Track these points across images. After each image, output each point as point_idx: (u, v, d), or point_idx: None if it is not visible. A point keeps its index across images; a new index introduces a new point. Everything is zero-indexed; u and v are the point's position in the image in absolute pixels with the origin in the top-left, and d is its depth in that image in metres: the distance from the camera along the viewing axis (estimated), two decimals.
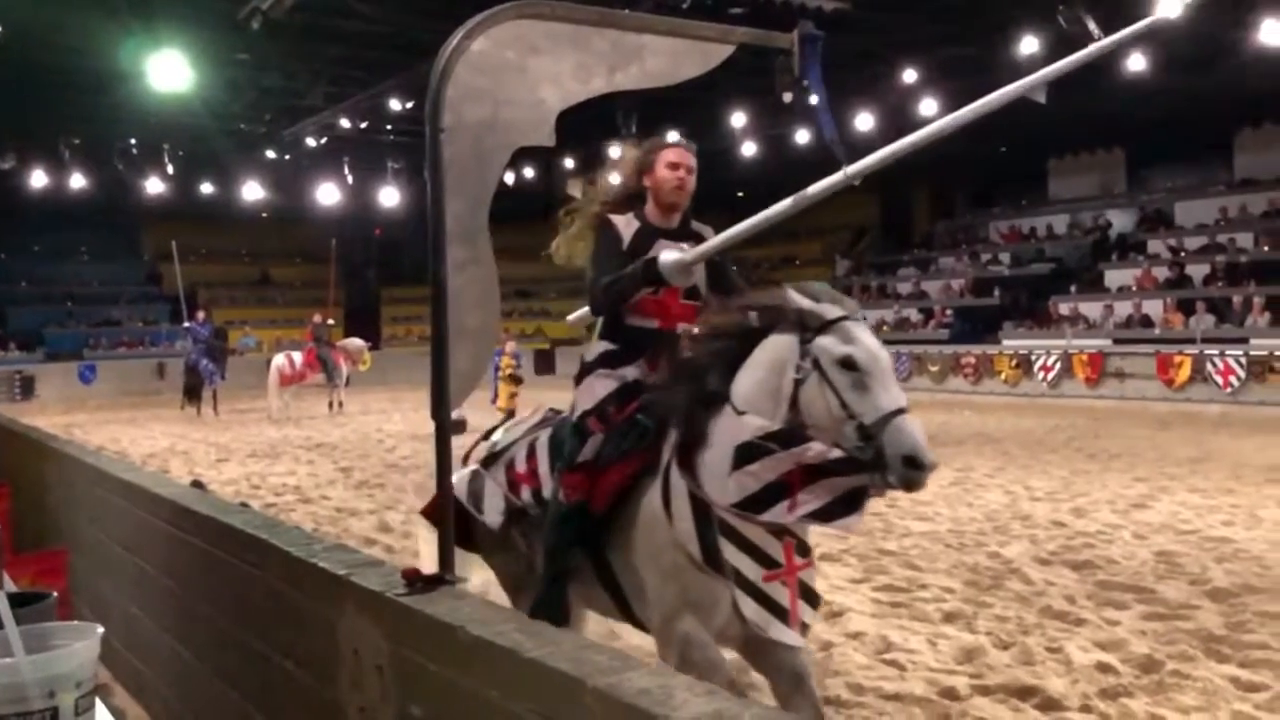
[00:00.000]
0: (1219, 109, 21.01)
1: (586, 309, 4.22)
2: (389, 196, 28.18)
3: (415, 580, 2.54)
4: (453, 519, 2.85)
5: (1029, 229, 26.83)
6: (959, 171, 28.80)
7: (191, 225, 29.44)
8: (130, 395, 24.39)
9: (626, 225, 3.62)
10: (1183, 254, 21.94)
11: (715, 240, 3.53)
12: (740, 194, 32.97)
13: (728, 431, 3.15)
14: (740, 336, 3.32)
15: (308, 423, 18.28)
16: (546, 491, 3.63)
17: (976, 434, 14.61)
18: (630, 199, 3.73)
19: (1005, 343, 21.04)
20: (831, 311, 3.12)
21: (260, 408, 19.99)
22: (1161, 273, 21.65)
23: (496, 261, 2.90)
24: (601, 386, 3.58)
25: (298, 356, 19.79)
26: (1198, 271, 20.98)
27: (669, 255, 3.42)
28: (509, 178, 24.38)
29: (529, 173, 27.06)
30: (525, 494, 3.70)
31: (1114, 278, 22.65)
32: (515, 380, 16.17)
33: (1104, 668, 4.77)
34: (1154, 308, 20.18)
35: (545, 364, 30.44)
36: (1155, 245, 23.08)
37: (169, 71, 16.54)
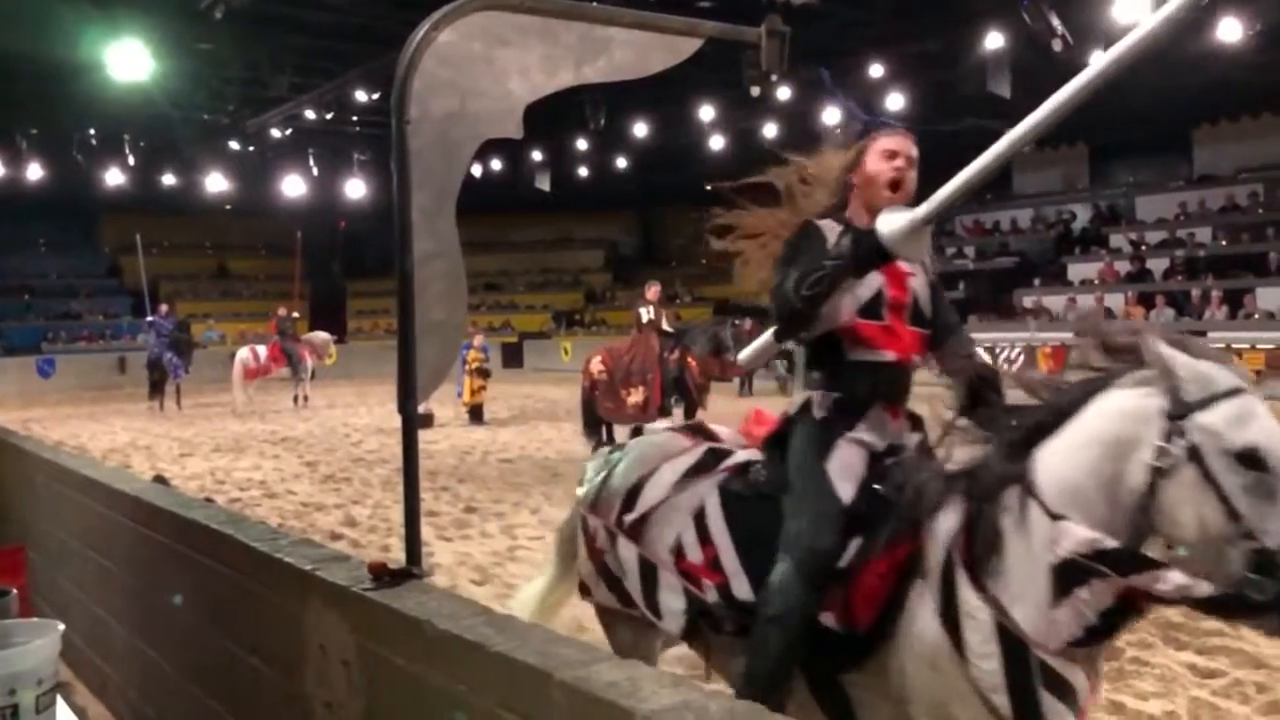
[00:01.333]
0: (1178, 105, 21.32)
1: (766, 337, 3.36)
2: (355, 189, 27.96)
3: (382, 575, 2.53)
4: (419, 506, 2.83)
5: (993, 223, 27.10)
6: (922, 165, 28.79)
7: (153, 217, 29.03)
8: (91, 390, 24.03)
9: (830, 229, 2.86)
10: (1143, 248, 22.26)
11: (952, 186, 2.59)
12: (708, 188, 33.17)
13: (1038, 539, 2.31)
14: (1066, 391, 2.43)
15: (273, 417, 18.11)
16: (741, 590, 2.74)
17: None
18: (834, 211, 2.96)
19: (970, 335, 21.18)
20: (1221, 378, 2.19)
21: (224, 402, 19.77)
22: (1123, 266, 21.96)
23: (463, 254, 2.88)
24: (855, 456, 2.73)
25: (262, 350, 19.62)
26: (1158, 265, 21.29)
27: (893, 217, 2.51)
28: (476, 170, 24.30)
29: (496, 165, 26.95)
30: (709, 592, 2.80)
31: (1077, 271, 22.93)
32: (482, 374, 16.13)
33: None
34: (1115, 301, 20.46)
35: (513, 358, 30.36)
36: (1117, 239, 23.40)
37: (129, 61, 16.31)
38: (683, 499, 2.93)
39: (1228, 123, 23.03)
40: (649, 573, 2.94)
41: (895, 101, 20.01)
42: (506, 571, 6.69)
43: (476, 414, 16.01)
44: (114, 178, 25.79)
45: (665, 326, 12.51)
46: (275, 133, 24.21)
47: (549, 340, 31.37)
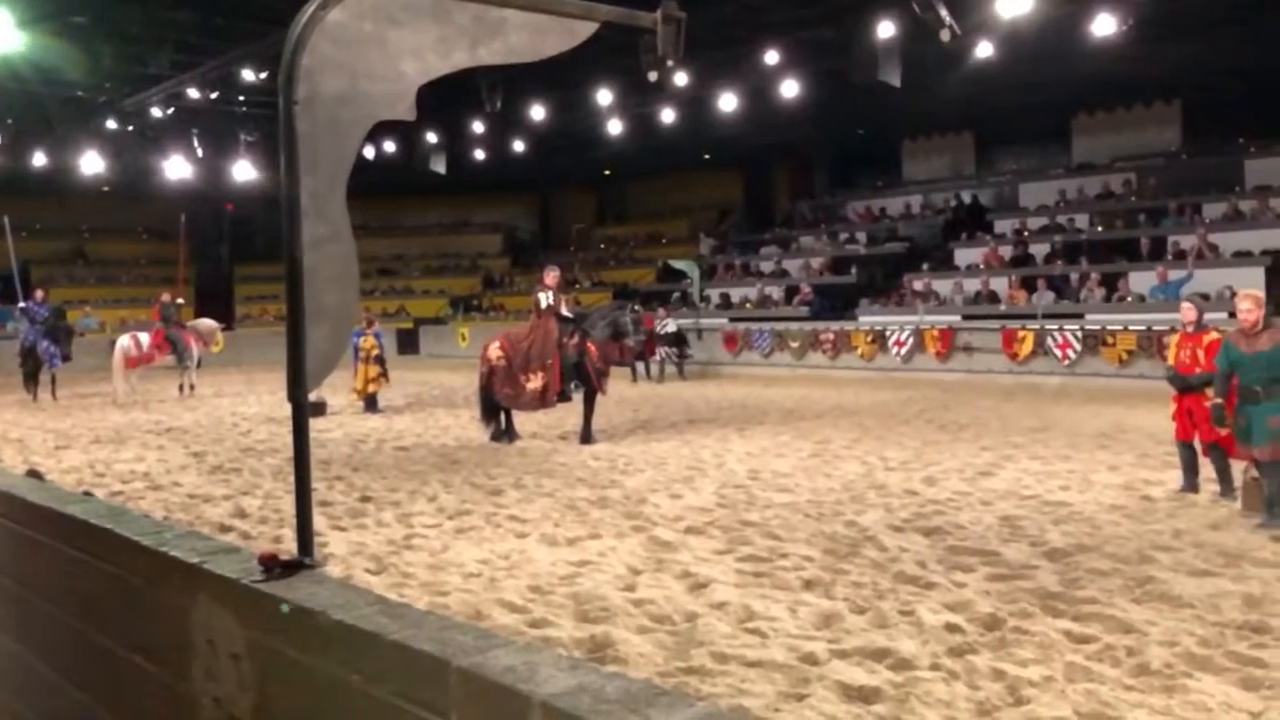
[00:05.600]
0: (1059, 96, 22.20)
1: None
2: (242, 170, 27.08)
3: (273, 566, 2.47)
4: (311, 495, 2.78)
5: (882, 209, 27.76)
6: (818, 153, 29.58)
7: (22, 198, 27.59)
8: None
9: None
10: (1026, 234, 23.09)
11: None
12: (607, 171, 33.13)
13: None
14: None
15: (157, 406, 17.47)
16: None
17: (835, 407, 15.08)
18: None
19: (862, 319, 21.77)
20: None
21: (104, 392, 18.98)
22: (1007, 251, 22.74)
23: (356, 238, 2.84)
24: None
25: (145, 337, 18.91)
26: (1040, 250, 22.12)
27: None
28: (369, 151, 23.78)
29: (390, 147, 26.45)
30: None
31: (963, 256, 23.65)
32: (378, 361, 15.82)
33: (952, 628, 5.02)
34: (1000, 285, 21.19)
35: (409, 344, 29.88)
36: (1002, 225, 24.20)
37: None
38: None
39: (1104, 113, 24.08)
40: None
41: (790, 88, 20.31)
42: (403, 560, 6.61)
43: (371, 402, 15.72)
44: None
45: (564, 311, 12.47)
46: (156, 112, 23.28)
47: (445, 326, 30.97)
